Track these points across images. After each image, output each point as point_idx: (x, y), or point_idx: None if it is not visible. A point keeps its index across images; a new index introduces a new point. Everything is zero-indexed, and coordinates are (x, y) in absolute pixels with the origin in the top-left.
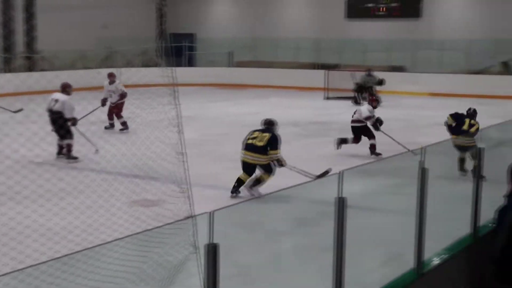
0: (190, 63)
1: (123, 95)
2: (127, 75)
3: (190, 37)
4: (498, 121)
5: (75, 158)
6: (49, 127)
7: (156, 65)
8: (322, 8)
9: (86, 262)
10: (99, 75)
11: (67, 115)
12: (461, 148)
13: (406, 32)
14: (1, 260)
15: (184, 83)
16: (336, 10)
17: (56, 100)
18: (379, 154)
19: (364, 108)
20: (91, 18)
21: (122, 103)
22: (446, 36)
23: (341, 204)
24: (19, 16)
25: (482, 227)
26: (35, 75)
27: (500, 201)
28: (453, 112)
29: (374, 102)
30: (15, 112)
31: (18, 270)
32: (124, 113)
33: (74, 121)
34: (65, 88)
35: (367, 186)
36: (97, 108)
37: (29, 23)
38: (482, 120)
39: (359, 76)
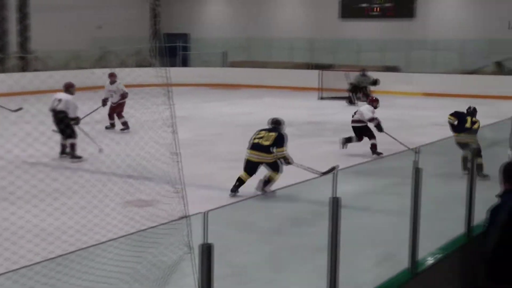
0: (184, 63)
1: (124, 95)
2: (121, 75)
3: (184, 37)
4: (492, 121)
5: (79, 157)
6: (43, 127)
7: (150, 65)
8: (316, 8)
9: (80, 263)
10: (93, 75)
11: (71, 114)
12: (464, 146)
13: (400, 32)
14: None
15: (178, 83)
16: (330, 10)
17: (60, 100)
18: (380, 153)
19: (366, 109)
20: (85, 18)
21: (123, 103)
22: (440, 36)
23: (335, 204)
24: (12, 16)
25: (476, 226)
26: (28, 75)
27: (494, 201)
28: (449, 111)
29: (375, 102)
30: (14, 111)
31: (12, 270)
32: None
33: (77, 121)
34: (68, 88)
35: (362, 186)
36: (98, 108)
37: (23, 23)
38: None
39: (353, 76)
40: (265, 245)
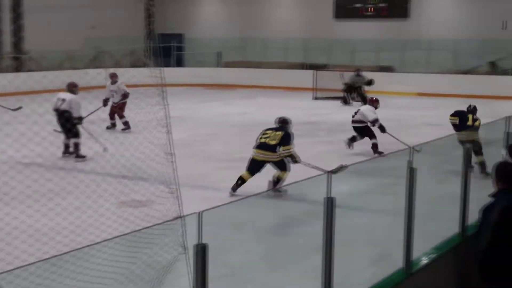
0: (179, 63)
1: (125, 95)
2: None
3: (179, 37)
4: (486, 121)
5: (83, 156)
6: (37, 127)
7: (144, 65)
8: (311, 9)
9: (74, 263)
10: (87, 76)
11: (75, 114)
12: (466, 144)
13: (394, 32)
14: None
15: (173, 83)
16: (324, 10)
17: (63, 100)
18: (382, 152)
19: (368, 110)
20: (79, 19)
21: (124, 103)
22: (434, 36)
23: (329, 204)
24: (6, 17)
25: (470, 226)
26: (22, 75)
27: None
28: (444, 111)
29: (375, 102)
30: (15, 110)
31: (7, 271)
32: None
33: (80, 120)
34: (72, 87)
35: (356, 186)
36: (99, 108)
37: (17, 23)
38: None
39: (348, 76)
40: (260, 245)
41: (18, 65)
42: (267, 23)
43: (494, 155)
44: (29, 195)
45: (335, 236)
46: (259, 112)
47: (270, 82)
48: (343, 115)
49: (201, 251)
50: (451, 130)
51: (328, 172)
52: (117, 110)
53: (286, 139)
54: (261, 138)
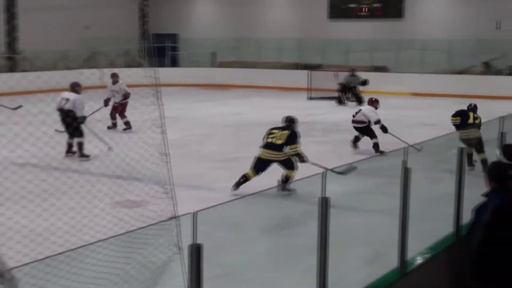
0: (173, 63)
1: (126, 95)
2: (109, 75)
3: (173, 37)
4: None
5: (87, 156)
6: (32, 128)
7: (139, 65)
8: (305, 9)
9: (69, 264)
10: (81, 76)
11: (78, 113)
12: (468, 142)
13: (388, 33)
14: None
15: (167, 83)
16: (318, 10)
17: (67, 99)
18: (383, 152)
19: (369, 111)
20: (73, 19)
21: (126, 103)
22: (428, 36)
23: (324, 204)
24: (0, 17)
25: (465, 226)
26: (16, 75)
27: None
28: (438, 111)
29: (375, 103)
30: (14, 109)
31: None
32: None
33: (83, 120)
34: (75, 87)
35: (351, 186)
36: (100, 108)
37: (11, 23)
38: None
39: (343, 76)
40: (255, 245)
41: (12, 65)
42: (261, 23)
43: (488, 155)
44: (23, 196)
45: (330, 236)
46: (253, 112)
47: (265, 82)
48: (337, 115)
49: (196, 251)
50: (445, 130)
51: (338, 173)
52: (119, 110)
53: (292, 138)
54: (267, 137)
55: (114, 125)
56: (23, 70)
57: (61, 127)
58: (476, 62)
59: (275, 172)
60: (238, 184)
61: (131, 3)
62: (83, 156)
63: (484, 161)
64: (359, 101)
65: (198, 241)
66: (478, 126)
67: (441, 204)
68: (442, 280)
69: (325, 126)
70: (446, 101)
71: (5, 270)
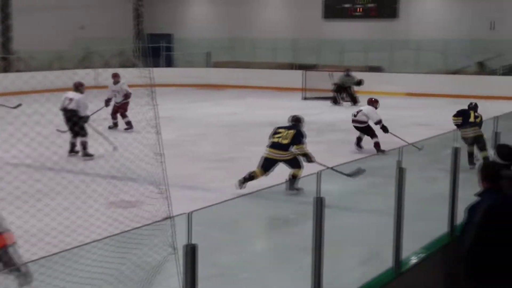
0: (168, 63)
1: (127, 95)
2: (104, 75)
3: (168, 37)
4: None
5: (91, 155)
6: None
7: (133, 65)
8: (299, 9)
9: (63, 264)
10: (76, 76)
11: (82, 113)
12: (469, 140)
13: (383, 33)
14: None
15: (162, 83)
16: (313, 10)
17: (71, 99)
18: (384, 151)
19: (370, 111)
20: (68, 19)
21: (127, 103)
22: (423, 36)
23: (319, 204)
24: None
25: (459, 226)
26: (10, 75)
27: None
28: (432, 111)
29: (375, 103)
30: (14, 107)
31: None
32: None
33: (86, 119)
34: (78, 87)
35: (346, 186)
36: (101, 108)
37: (5, 23)
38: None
39: (338, 76)
40: (250, 245)
41: (6, 65)
42: (256, 23)
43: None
44: (18, 196)
45: (325, 236)
46: (248, 112)
47: (259, 82)
48: (332, 115)
49: (191, 252)
50: (440, 130)
51: (346, 175)
52: (120, 110)
53: (298, 138)
54: (273, 137)
55: (115, 125)
56: (18, 70)
57: (63, 127)
58: (471, 62)
59: (274, 171)
60: (244, 181)
61: (125, 3)
62: (87, 155)
63: (486, 159)
64: (354, 101)
65: (193, 241)
66: (479, 124)
67: (436, 204)
68: (437, 280)
69: (320, 126)
70: (440, 101)
71: (21, 263)
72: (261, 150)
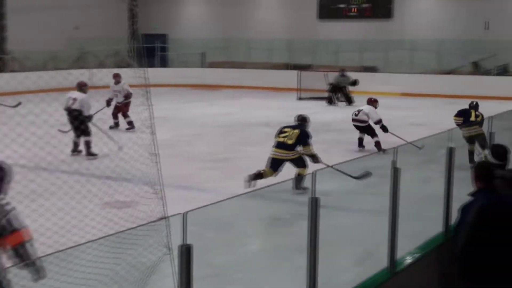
0: (163, 63)
1: (127, 96)
2: (99, 76)
3: (162, 37)
4: None
5: (95, 154)
6: (20, 128)
7: (128, 66)
8: (294, 9)
9: (58, 265)
10: (70, 76)
11: (86, 112)
12: (470, 139)
13: (377, 33)
14: None
15: (157, 83)
16: (308, 10)
17: (75, 99)
18: (385, 150)
19: (371, 111)
20: (62, 19)
21: (128, 103)
22: (417, 37)
23: (314, 204)
24: None
25: (453, 225)
26: (5, 76)
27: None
28: (427, 111)
29: (375, 102)
30: (14, 106)
31: None
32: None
33: (90, 118)
34: (81, 87)
35: (341, 186)
36: (102, 108)
37: None
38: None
39: (333, 76)
40: (245, 246)
41: (1, 65)
42: (251, 23)
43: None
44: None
45: (320, 236)
46: (243, 112)
47: (255, 83)
48: (327, 115)
49: (186, 252)
50: (435, 130)
51: (354, 177)
52: (122, 110)
53: (303, 138)
54: (279, 136)
55: (116, 125)
56: (12, 71)
57: (65, 127)
58: (465, 62)
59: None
60: (252, 178)
61: (120, 3)
62: (90, 154)
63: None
64: (349, 101)
65: (188, 242)
66: (480, 123)
67: (431, 203)
68: (431, 280)
69: (315, 126)
70: (435, 101)
71: (36, 258)
72: (256, 150)
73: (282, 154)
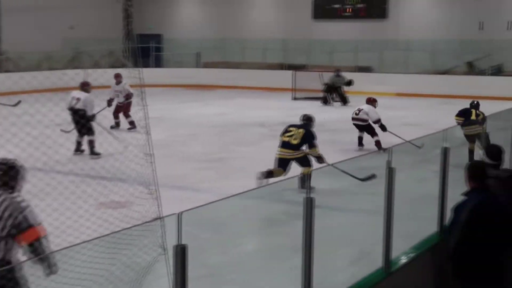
0: (157, 64)
1: (128, 96)
2: (93, 76)
3: (157, 37)
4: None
5: (98, 154)
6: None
7: (123, 66)
8: (289, 9)
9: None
10: (65, 76)
11: (89, 112)
12: (471, 138)
13: (372, 33)
14: None
15: (151, 84)
16: (303, 11)
17: (78, 99)
18: (385, 149)
19: (371, 110)
20: (57, 19)
21: (130, 103)
22: (412, 37)
23: (309, 204)
24: None
25: (447, 225)
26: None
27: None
28: (421, 111)
29: (374, 102)
30: (14, 105)
31: None
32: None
33: (93, 118)
34: (84, 86)
35: (336, 186)
36: (103, 109)
37: None
38: (448, 120)
39: (328, 76)
40: (240, 246)
41: None
42: (246, 23)
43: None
44: None
45: (315, 236)
46: (238, 112)
47: (249, 83)
48: (322, 115)
49: (181, 252)
50: (430, 130)
51: (359, 179)
52: (123, 109)
53: (309, 139)
54: (284, 136)
55: (117, 125)
56: (7, 71)
57: (67, 127)
58: (460, 62)
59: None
60: (265, 176)
61: (115, 3)
62: (94, 154)
63: None
64: (344, 101)
65: (183, 242)
66: (481, 122)
67: (425, 203)
68: (426, 280)
69: None
70: (430, 101)
71: (50, 253)
72: (251, 150)
73: (287, 153)
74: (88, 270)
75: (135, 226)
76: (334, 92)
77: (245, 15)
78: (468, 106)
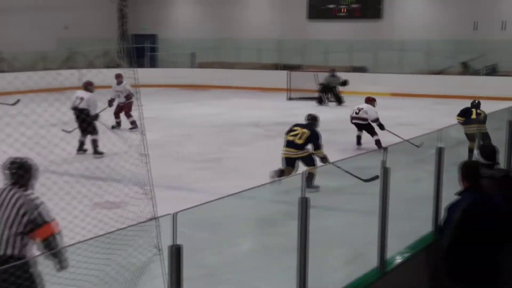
0: (152, 64)
1: (129, 96)
2: (88, 76)
3: (152, 38)
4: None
5: (102, 153)
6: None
7: (118, 66)
8: (284, 9)
9: (48, 266)
10: (60, 76)
11: (92, 112)
12: (471, 137)
13: (367, 33)
14: None
15: (146, 84)
16: (297, 11)
17: (82, 98)
18: (386, 148)
19: (370, 110)
20: (52, 19)
21: (131, 103)
22: (407, 37)
23: (304, 204)
24: None
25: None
26: None
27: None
28: (417, 111)
29: (373, 101)
30: (13, 104)
31: None
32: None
33: (96, 117)
34: (88, 86)
35: (331, 186)
36: (104, 109)
37: None
38: (442, 120)
39: (323, 76)
40: (235, 246)
41: None
42: (241, 24)
43: (465, 155)
44: None
45: (310, 236)
46: (233, 112)
47: (244, 83)
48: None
49: (176, 252)
50: (424, 130)
51: (363, 180)
52: (124, 109)
53: (313, 140)
54: (288, 135)
55: (118, 125)
56: (1, 71)
57: (68, 127)
58: (454, 62)
59: (258, 171)
60: (278, 175)
61: (110, 3)
62: (97, 153)
63: None
64: (339, 101)
65: (178, 242)
66: (482, 121)
67: (420, 203)
68: (421, 279)
69: None
70: (425, 101)
71: (62, 249)
72: (246, 150)
73: (291, 152)
74: (83, 271)
75: (130, 226)
76: (329, 92)
77: (239, 16)
78: (466, 106)
